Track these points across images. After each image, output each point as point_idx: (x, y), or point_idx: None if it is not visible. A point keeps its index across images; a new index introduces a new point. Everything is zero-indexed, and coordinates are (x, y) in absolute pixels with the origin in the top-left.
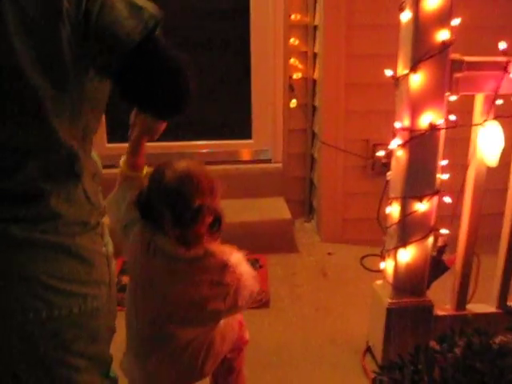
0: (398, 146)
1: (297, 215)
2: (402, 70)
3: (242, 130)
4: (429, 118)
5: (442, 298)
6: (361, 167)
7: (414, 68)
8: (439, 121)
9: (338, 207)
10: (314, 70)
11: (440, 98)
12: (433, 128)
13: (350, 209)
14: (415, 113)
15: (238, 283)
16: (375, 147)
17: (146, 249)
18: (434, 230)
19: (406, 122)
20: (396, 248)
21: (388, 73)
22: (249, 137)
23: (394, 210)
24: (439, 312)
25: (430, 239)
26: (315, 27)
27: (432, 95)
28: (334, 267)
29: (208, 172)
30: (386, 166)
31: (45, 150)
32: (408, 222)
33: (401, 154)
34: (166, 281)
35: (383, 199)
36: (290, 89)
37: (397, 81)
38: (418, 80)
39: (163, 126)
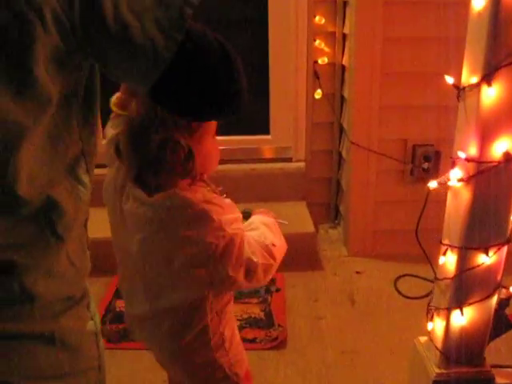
0: (459, 180)
1: (321, 220)
2: (468, 78)
3: (259, 123)
4: (504, 145)
5: (503, 357)
6: (397, 171)
7: (488, 77)
8: None
9: (369, 216)
10: (343, 55)
11: None
12: (510, 159)
13: (383, 219)
14: (486, 138)
15: (228, 245)
16: (415, 149)
17: (120, 193)
18: (500, 286)
19: (473, 150)
20: (450, 309)
21: (449, 80)
22: (266, 132)
23: (448, 262)
24: (501, 380)
25: (495, 298)
26: (345, 3)
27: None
28: (364, 291)
29: None
30: (427, 171)
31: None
32: (468, 277)
33: (462, 191)
34: (133, 227)
35: (424, 210)
36: (315, 76)
37: (461, 92)
38: (493, 94)
39: None
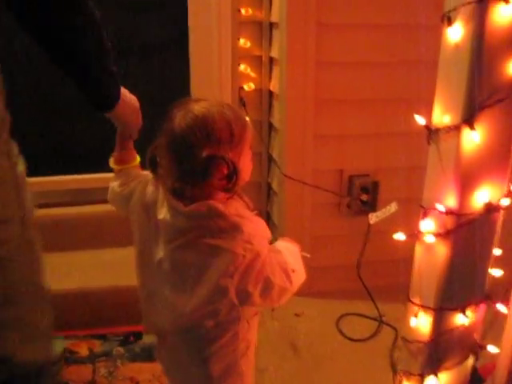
0: (436, 234)
1: None
2: (441, 118)
3: None
4: (486, 194)
5: None
6: (334, 204)
7: (470, 119)
8: (502, 199)
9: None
10: (270, 80)
11: (505, 164)
12: (492, 210)
13: (321, 255)
14: (467, 187)
15: (253, 260)
16: (352, 179)
17: (152, 207)
18: (477, 346)
19: (451, 201)
20: (423, 375)
21: (419, 120)
22: None
23: (420, 324)
24: None
25: (471, 359)
26: (271, 25)
27: (495, 160)
28: (305, 336)
29: (232, 115)
30: (366, 203)
31: None
32: (443, 340)
33: (437, 246)
34: (166, 237)
35: (365, 244)
36: (241, 103)
37: (433, 134)
38: (475, 138)
39: (138, 121)
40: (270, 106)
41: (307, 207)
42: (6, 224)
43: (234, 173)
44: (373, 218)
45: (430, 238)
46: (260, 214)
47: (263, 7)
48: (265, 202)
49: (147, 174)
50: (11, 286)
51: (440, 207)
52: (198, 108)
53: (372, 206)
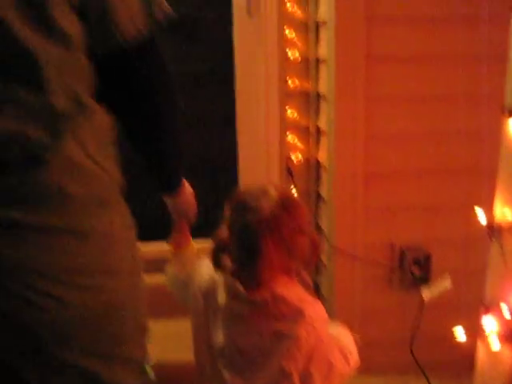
0: (499, 337)
1: None
2: (503, 213)
3: None
4: None
5: None
6: (385, 278)
7: None
8: None
9: (355, 328)
10: (318, 150)
11: None
12: None
13: (371, 329)
14: None
15: (316, 343)
16: (403, 252)
17: (213, 293)
18: None
19: None
20: None
21: (481, 219)
22: None
23: None
24: None
25: None
26: (319, 96)
27: None
28: None
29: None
30: (418, 277)
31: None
32: None
33: (503, 351)
34: (228, 322)
35: (418, 319)
36: (289, 174)
37: (495, 232)
38: None
39: (194, 208)
40: (318, 176)
41: (358, 281)
42: (121, 274)
43: (313, 250)
44: (426, 293)
45: (493, 340)
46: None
47: (310, 78)
48: (313, 273)
49: (204, 258)
50: (121, 327)
51: (504, 308)
52: (266, 204)
53: (425, 279)
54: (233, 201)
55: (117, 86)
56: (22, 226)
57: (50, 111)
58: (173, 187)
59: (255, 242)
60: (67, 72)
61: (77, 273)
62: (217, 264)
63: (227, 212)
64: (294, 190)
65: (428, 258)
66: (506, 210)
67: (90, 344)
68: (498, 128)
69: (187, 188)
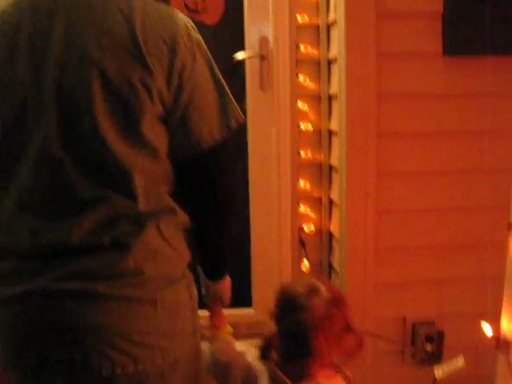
0: None
1: None
2: (511, 329)
3: (240, 295)
4: None
5: None
6: (397, 354)
7: None
8: None
9: None
10: (330, 221)
11: None
12: None
13: None
14: None
15: None
16: (415, 327)
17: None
18: None
19: None
20: None
21: (487, 330)
22: (248, 304)
23: None
24: None
25: None
26: (331, 167)
27: None
28: None
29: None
30: (431, 354)
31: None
32: None
33: None
34: None
35: None
36: (301, 244)
37: (502, 345)
38: None
39: (229, 293)
40: (331, 247)
41: (368, 356)
42: (183, 334)
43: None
44: (439, 372)
45: None
46: None
47: (322, 149)
48: None
49: (244, 344)
50: (183, 378)
51: None
52: (318, 302)
53: (438, 356)
54: (282, 298)
55: (188, 184)
56: (105, 297)
57: (136, 211)
58: (218, 276)
59: (308, 339)
60: (153, 178)
61: (147, 334)
62: (264, 356)
63: (276, 308)
64: (305, 261)
65: (441, 334)
66: None
67: None
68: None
69: (227, 276)
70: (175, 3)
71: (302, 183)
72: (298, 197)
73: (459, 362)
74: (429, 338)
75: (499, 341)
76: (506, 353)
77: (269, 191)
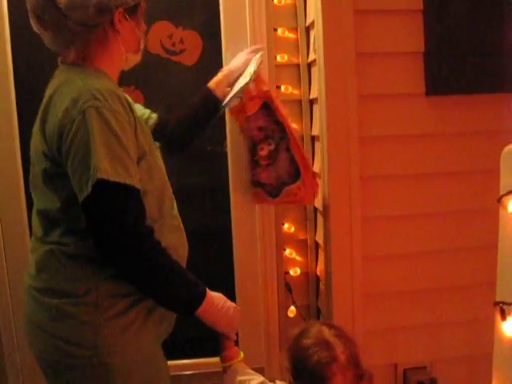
0: None
1: None
2: None
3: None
4: None
5: None
6: None
7: None
8: None
9: None
10: (316, 264)
11: None
12: None
13: None
14: None
15: None
16: (407, 374)
17: None
18: None
19: None
20: None
21: None
22: None
23: None
24: None
25: None
26: (316, 210)
27: None
28: None
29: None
30: None
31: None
32: None
33: None
34: None
35: None
36: (287, 288)
37: None
38: None
39: (232, 327)
40: (318, 290)
41: None
42: (82, 349)
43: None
44: None
45: None
46: None
47: None
48: None
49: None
50: None
51: None
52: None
53: None
54: (296, 350)
55: None
56: None
57: None
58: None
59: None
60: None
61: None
62: None
63: (288, 360)
64: (292, 307)
65: (433, 382)
66: None
67: None
68: None
69: (216, 306)
70: (153, 45)
71: (286, 227)
72: (282, 240)
73: None
74: None
75: None
76: None
77: (253, 235)
